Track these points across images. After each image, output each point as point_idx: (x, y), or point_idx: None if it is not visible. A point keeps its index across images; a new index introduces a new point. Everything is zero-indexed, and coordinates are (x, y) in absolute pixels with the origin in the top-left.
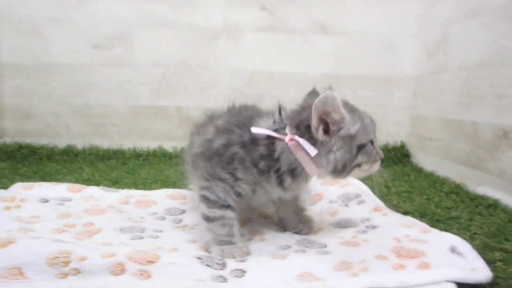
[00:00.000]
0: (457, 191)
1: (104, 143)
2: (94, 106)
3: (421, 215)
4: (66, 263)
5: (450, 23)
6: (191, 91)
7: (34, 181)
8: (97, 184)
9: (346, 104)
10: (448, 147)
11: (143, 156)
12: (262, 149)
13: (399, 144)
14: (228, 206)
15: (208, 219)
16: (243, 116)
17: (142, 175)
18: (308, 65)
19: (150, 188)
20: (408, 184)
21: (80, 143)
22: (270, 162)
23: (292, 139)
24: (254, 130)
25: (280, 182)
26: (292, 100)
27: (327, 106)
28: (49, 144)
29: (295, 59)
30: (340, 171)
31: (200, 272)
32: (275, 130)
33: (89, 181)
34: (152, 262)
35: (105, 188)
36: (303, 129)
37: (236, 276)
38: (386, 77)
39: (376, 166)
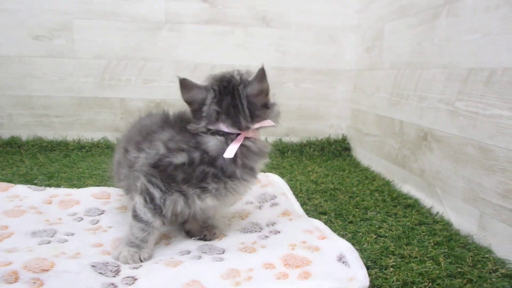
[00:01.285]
0: (383, 189)
1: (48, 134)
2: (37, 97)
3: (336, 216)
4: None
5: (384, 20)
6: (134, 83)
7: None
8: (33, 178)
9: None
10: (381, 143)
11: (87, 147)
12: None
13: (340, 137)
14: (161, 216)
15: (136, 217)
16: (188, 135)
17: (80, 168)
18: (250, 57)
19: (83, 184)
20: (338, 181)
21: (24, 134)
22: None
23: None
24: (229, 155)
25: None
26: None
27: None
28: None
29: (237, 51)
30: None
31: (91, 280)
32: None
33: (25, 176)
34: (46, 270)
35: (33, 186)
36: (234, 115)
37: (126, 283)
38: (329, 70)
39: None
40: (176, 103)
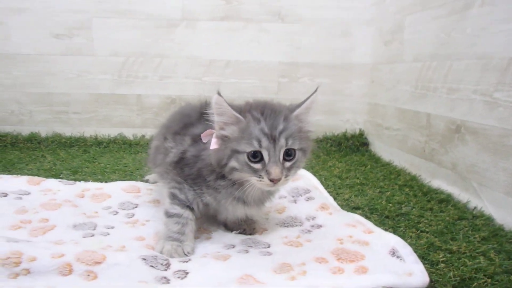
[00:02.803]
0: (411, 184)
1: (66, 130)
2: (56, 94)
3: (371, 211)
4: (17, 264)
5: (404, 12)
6: (150, 79)
7: None
8: (58, 173)
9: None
10: (404, 137)
11: (104, 143)
12: None
13: (357, 132)
14: (189, 208)
15: (167, 213)
16: None
17: (101, 163)
18: (265, 53)
19: (108, 178)
20: (363, 176)
21: (43, 130)
22: None
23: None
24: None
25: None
26: (249, 88)
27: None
28: (13, 132)
29: (251, 47)
30: (217, 166)
31: (143, 273)
32: None
33: (50, 171)
34: (99, 263)
35: (63, 180)
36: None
37: (178, 277)
38: (344, 65)
39: (261, 181)
40: (191, 99)
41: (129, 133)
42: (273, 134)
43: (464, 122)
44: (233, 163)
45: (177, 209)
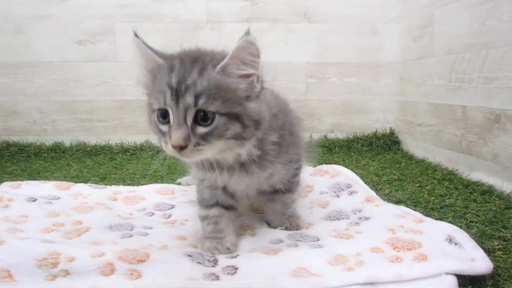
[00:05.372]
0: (450, 178)
1: (90, 139)
2: (80, 102)
3: (415, 204)
4: (55, 264)
5: (433, 6)
6: None
7: (23, 179)
8: (86, 180)
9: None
10: (438, 132)
11: (131, 150)
12: None
13: (388, 131)
14: (213, 205)
15: (200, 217)
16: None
17: (130, 170)
18: (292, 53)
19: (138, 183)
20: (400, 172)
21: (66, 140)
22: None
23: None
24: None
25: None
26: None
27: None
28: (36, 142)
29: (279, 48)
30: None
31: (191, 270)
32: None
33: (77, 178)
34: (142, 261)
35: (93, 185)
36: None
37: (228, 273)
38: (372, 63)
39: (166, 147)
40: None
41: (156, 140)
42: (179, 88)
43: (504, 111)
44: (152, 125)
45: (204, 211)
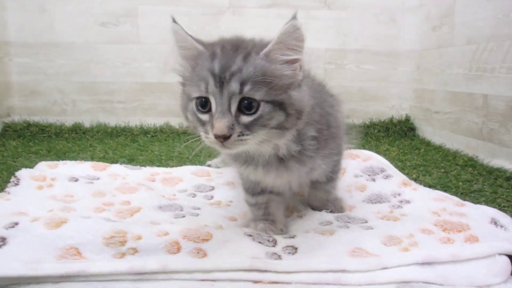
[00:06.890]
0: (472, 164)
1: (110, 120)
2: (100, 83)
3: (444, 189)
4: (123, 243)
5: None
6: None
7: (49, 159)
8: (114, 161)
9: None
10: (456, 120)
11: (151, 132)
12: None
13: (404, 117)
14: (259, 193)
15: (248, 203)
16: None
17: (155, 152)
18: (312, 40)
19: (166, 165)
20: (421, 158)
21: (86, 120)
22: None
23: None
24: None
25: None
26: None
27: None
28: (56, 122)
29: None
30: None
31: (254, 249)
32: None
33: (105, 159)
34: (206, 240)
35: (128, 166)
36: None
37: (289, 253)
38: (390, 51)
39: (207, 137)
40: None
41: (175, 122)
42: (222, 75)
43: None
44: (188, 115)
45: (252, 199)
